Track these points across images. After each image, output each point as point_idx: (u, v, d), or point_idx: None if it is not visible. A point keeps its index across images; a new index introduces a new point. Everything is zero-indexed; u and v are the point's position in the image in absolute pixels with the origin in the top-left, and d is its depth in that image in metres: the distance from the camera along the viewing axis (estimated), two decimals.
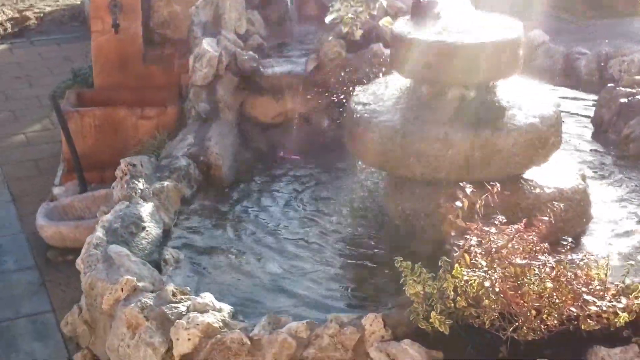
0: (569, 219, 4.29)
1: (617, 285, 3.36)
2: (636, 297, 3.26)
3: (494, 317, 3.12)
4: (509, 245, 3.19)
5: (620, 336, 3.21)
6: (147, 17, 6.08)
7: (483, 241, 3.17)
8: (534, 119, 4.18)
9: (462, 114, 4.14)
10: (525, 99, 4.36)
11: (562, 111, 5.91)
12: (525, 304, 3.02)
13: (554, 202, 3.87)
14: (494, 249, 3.12)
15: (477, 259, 3.12)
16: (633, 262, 3.45)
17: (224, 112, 5.45)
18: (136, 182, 4.48)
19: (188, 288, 3.64)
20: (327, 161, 5.25)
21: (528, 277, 2.99)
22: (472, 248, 3.15)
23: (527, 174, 4.36)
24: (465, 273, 3.09)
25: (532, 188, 4.27)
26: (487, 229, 3.23)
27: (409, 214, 4.30)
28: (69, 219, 5.29)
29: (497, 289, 3.02)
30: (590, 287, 3.16)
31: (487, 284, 3.02)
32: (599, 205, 4.62)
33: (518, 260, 3.05)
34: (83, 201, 5.33)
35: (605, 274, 3.32)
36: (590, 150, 5.39)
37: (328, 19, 5.12)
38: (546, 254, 3.15)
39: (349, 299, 4.02)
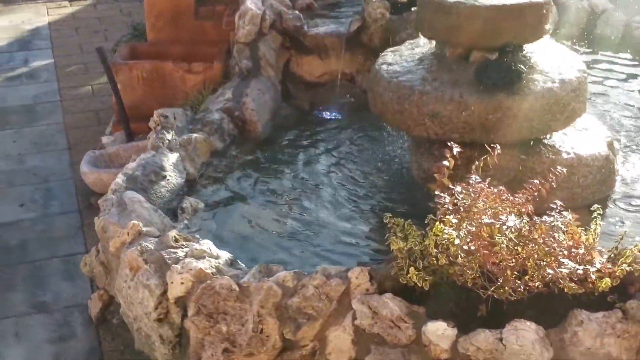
0: (588, 186, 4.26)
1: (609, 251, 3.34)
2: (624, 263, 3.24)
3: (476, 276, 3.16)
4: (478, 204, 3.19)
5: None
6: None
7: (456, 200, 3.19)
8: (553, 84, 4.13)
9: (480, 76, 4.13)
10: (550, 63, 4.31)
11: (614, 79, 5.86)
12: (501, 264, 3.03)
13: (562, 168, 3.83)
14: (462, 208, 3.14)
15: (449, 217, 3.16)
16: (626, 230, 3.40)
17: (265, 70, 5.55)
18: (165, 133, 4.65)
19: (193, 235, 3.78)
20: (367, 121, 5.29)
21: (497, 237, 3.00)
22: (445, 206, 3.18)
23: (550, 139, 4.33)
24: (445, 231, 3.12)
25: (550, 153, 4.24)
26: (458, 189, 3.25)
27: (428, 174, 4.34)
28: (114, 167, 5.50)
29: (470, 247, 3.05)
30: (573, 250, 3.16)
31: (457, 241, 3.06)
32: (632, 173, 4.56)
33: (485, 220, 3.07)
34: (128, 150, 5.52)
35: (594, 239, 3.31)
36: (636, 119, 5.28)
37: None
38: (524, 216, 3.13)
39: (364, 255, 4.10)
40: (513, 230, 3.03)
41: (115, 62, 5.77)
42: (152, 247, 3.59)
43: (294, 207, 4.44)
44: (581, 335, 3.10)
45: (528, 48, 4.35)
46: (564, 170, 3.63)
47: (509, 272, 3.06)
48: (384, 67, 4.48)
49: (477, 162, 4.11)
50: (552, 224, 3.06)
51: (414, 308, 3.24)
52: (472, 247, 3.03)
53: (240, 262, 3.63)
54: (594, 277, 3.08)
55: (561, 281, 3.10)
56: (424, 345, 3.17)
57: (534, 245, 3.08)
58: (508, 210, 3.23)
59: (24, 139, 6.39)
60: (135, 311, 3.65)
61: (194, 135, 4.70)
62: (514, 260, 3.04)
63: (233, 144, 5.02)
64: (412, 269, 3.20)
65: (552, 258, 3.07)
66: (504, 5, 4.15)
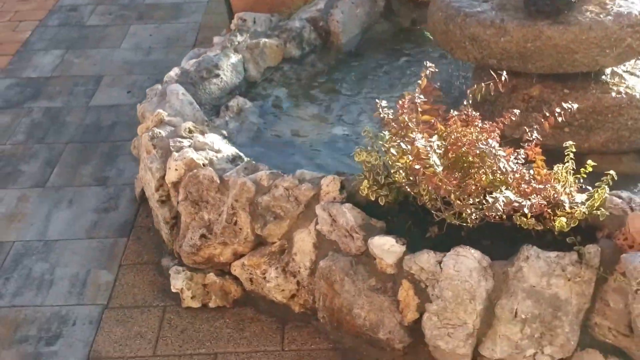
0: (638, 129, 4.01)
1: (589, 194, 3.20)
2: (591, 206, 3.10)
3: (432, 197, 3.14)
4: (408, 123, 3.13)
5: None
6: None
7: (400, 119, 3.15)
8: (607, 17, 3.88)
9: (527, 2, 3.96)
10: None
11: None
12: (441, 187, 2.99)
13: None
14: (397, 126, 3.10)
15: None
16: (613, 173, 3.19)
17: None
18: (237, 36, 4.85)
19: (212, 129, 3.98)
20: None
21: (425, 158, 2.95)
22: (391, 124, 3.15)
23: (603, 76, 4.10)
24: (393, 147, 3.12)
25: (598, 90, 4.02)
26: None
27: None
28: None
29: (415, 167, 3.02)
30: (533, 185, 3.05)
31: (387, 158, 3.05)
32: None
33: (419, 140, 3.00)
34: None
35: (567, 177, 3.17)
36: None
37: None
38: (484, 144, 3.03)
39: None
40: (437, 152, 2.96)
41: None
42: (164, 135, 3.83)
43: (343, 121, 4.50)
44: (526, 271, 3.02)
45: None
46: (574, 105, 3.45)
47: (452, 196, 3.02)
48: None
49: (521, 92, 4.04)
50: (495, 153, 2.96)
51: (372, 221, 3.27)
52: (417, 167, 3.01)
53: (245, 158, 3.78)
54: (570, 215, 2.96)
55: (514, 214, 3.02)
56: (373, 257, 3.22)
57: (476, 170, 3.00)
58: (474, 135, 3.15)
59: (160, 34, 6.80)
60: (148, 192, 3.95)
61: (264, 40, 4.85)
62: (453, 183, 2.98)
63: (312, 53, 5.13)
64: (365, 182, 3.23)
65: (499, 186, 2.99)
66: None
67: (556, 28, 3.86)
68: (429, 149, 2.88)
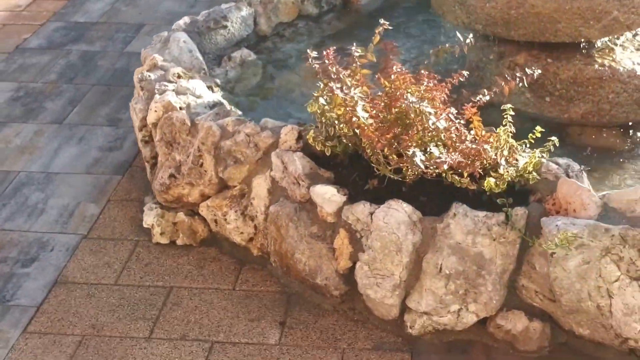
0: (619, 104, 4.00)
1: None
2: (524, 170, 3.14)
3: (376, 152, 3.24)
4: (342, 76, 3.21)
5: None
6: None
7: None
8: None
9: None
10: None
11: None
12: (372, 140, 3.09)
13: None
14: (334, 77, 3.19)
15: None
16: (555, 140, 3.21)
17: None
18: None
19: (202, 75, 4.17)
20: None
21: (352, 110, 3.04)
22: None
23: (591, 47, 4.08)
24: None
25: (581, 61, 4.01)
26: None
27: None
28: None
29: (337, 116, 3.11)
30: (467, 144, 3.11)
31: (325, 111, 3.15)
32: None
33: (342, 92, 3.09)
34: None
35: (506, 140, 3.21)
36: None
37: None
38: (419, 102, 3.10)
39: None
40: (364, 104, 3.04)
41: None
42: (153, 78, 4.04)
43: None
44: (453, 227, 3.10)
45: None
46: (538, 71, 3.49)
47: (386, 150, 3.12)
48: None
49: (507, 59, 4.08)
50: (421, 109, 3.03)
51: (320, 171, 3.40)
52: (354, 119, 3.11)
53: (227, 106, 3.95)
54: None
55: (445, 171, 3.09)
56: (315, 206, 3.35)
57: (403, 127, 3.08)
58: (419, 93, 3.22)
59: None
60: (135, 132, 4.17)
61: None
62: (387, 137, 3.08)
63: (331, 12, 5.24)
64: (311, 132, 3.35)
65: (428, 143, 3.07)
66: None
67: None
68: (359, 101, 2.98)
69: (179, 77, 4.05)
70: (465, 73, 3.31)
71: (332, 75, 3.14)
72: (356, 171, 3.41)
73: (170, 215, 3.84)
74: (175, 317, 3.46)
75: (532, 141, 3.29)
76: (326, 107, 3.19)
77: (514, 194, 3.18)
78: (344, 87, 3.11)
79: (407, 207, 3.14)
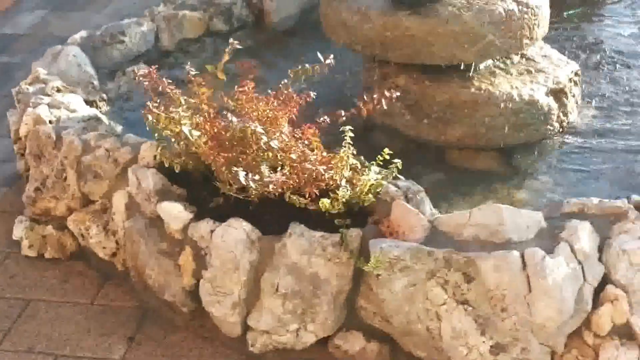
0: (496, 127, 4.00)
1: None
2: (361, 192, 3.14)
3: (222, 170, 3.24)
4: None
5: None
6: None
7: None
8: (467, 12, 3.88)
9: None
10: None
11: None
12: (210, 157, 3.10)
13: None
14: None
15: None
16: (398, 162, 3.21)
17: None
18: (160, 7, 5.03)
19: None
20: None
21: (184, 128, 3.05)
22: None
23: (473, 70, 4.09)
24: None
25: (457, 84, 4.02)
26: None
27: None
28: None
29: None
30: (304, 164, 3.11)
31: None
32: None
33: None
34: None
35: (347, 160, 3.21)
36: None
37: None
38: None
39: None
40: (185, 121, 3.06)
41: None
42: (30, 91, 4.06)
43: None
44: (289, 247, 3.10)
45: None
46: (397, 93, 3.49)
47: (224, 168, 3.12)
48: None
49: (389, 80, 4.10)
50: (252, 127, 3.04)
51: (172, 188, 3.40)
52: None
53: (105, 121, 3.97)
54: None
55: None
56: (164, 222, 3.36)
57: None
58: (264, 112, 3.23)
59: (144, 3, 7.01)
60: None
61: (184, 12, 5.01)
62: (224, 156, 3.08)
63: (243, 29, 5.26)
64: (159, 148, 3.36)
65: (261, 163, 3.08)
66: None
67: (414, 19, 3.89)
68: (185, 119, 2.99)
69: (58, 90, 4.07)
70: (313, 94, 3.31)
71: (155, 93, 3.15)
72: (209, 189, 3.41)
73: (40, 228, 3.85)
74: (26, 330, 3.46)
75: (381, 163, 3.29)
76: (158, 124, 3.20)
77: (356, 215, 3.18)
78: (172, 106, 3.11)
79: (246, 226, 3.14)
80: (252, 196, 3.18)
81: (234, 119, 3.04)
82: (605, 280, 2.97)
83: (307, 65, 3.52)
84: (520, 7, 3.95)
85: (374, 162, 3.30)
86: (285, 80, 3.48)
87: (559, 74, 4.16)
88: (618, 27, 5.32)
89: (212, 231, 3.18)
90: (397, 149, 4.06)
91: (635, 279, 2.91)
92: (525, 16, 3.96)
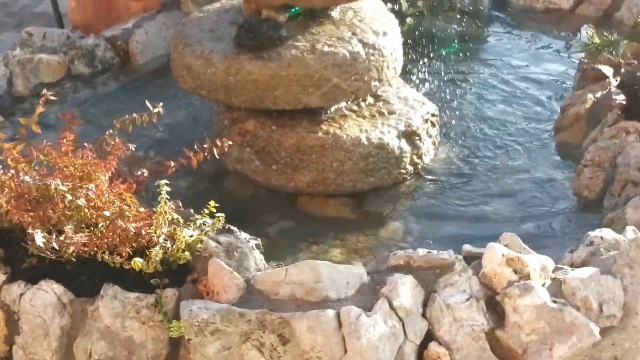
0: (345, 172, 3.89)
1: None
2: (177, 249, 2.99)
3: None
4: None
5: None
6: None
7: None
8: (310, 55, 3.77)
9: (236, 36, 3.88)
10: (336, 32, 3.93)
11: None
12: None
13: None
14: None
15: None
16: (221, 216, 3.07)
17: (186, 4, 5.51)
18: (17, 49, 4.86)
19: None
20: None
21: None
22: None
23: (323, 113, 3.99)
24: None
25: (304, 129, 3.91)
26: None
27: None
28: None
29: None
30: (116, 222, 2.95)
31: None
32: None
33: None
34: None
35: (163, 215, 3.05)
36: None
37: None
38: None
39: None
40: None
41: None
42: None
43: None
44: (102, 310, 2.93)
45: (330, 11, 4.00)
46: (229, 142, 3.37)
47: (31, 228, 2.95)
48: (196, 13, 4.33)
49: (238, 125, 3.97)
50: (53, 185, 2.88)
51: None
52: None
53: None
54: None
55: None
56: None
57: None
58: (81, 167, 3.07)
59: None
60: None
61: (41, 55, 4.85)
62: (30, 214, 2.92)
63: (107, 72, 5.11)
64: None
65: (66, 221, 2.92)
66: None
67: (256, 63, 3.78)
68: None
69: None
70: (132, 146, 3.16)
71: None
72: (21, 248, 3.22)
73: None
74: None
75: (206, 216, 3.15)
76: None
77: (177, 273, 3.03)
78: None
79: (57, 288, 2.97)
80: (67, 255, 3.00)
81: (27, 178, 2.86)
82: (430, 336, 2.85)
83: (134, 114, 3.38)
84: (367, 49, 3.86)
85: (199, 216, 3.15)
86: (111, 130, 3.33)
87: (413, 116, 4.07)
88: (492, 64, 5.28)
89: (22, 294, 3.00)
90: (248, 196, 4.00)
91: (459, 335, 2.80)
92: (372, 58, 3.87)
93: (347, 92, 3.86)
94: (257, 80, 3.77)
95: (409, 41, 5.28)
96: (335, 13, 4.06)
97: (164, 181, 3.07)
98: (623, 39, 4.20)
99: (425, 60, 5.19)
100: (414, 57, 5.15)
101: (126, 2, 5.88)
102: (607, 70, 4.36)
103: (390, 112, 4.09)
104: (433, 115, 4.21)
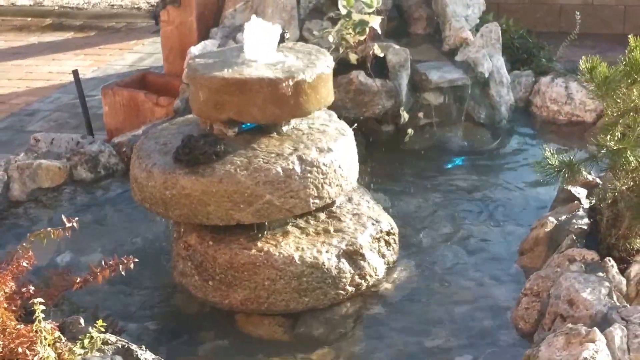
0: (277, 291, 3.81)
1: None
2: None
3: None
4: None
5: None
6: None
7: None
8: (243, 171, 3.75)
9: (175, 151, 3.91)
10: (276, 147, 3.90)
11: None
12: None
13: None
14: None
15: None
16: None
17: None
18: (20, 155, 5.09)
19: None
20: None
21: None
22: None
23: (271, 232, 3.94)
24: None
25: (238, 246, 3.86)
26: None
27: None
28: None
29: None
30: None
31: None
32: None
33: None
34: None
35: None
36: None
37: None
38: None
39: None
40: None
41: (105, 86, 6.29)
42: None
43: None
44: None
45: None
46: (135, 260, 3.38)
47: None
48: (164, 124, 4.43)
49: (182, 239, 4.00)
50: None
51: None
52: None
53: None
54: None
55: None
56: None
57: None
58: None
59: None
60: None
61: (39, 161, 5.04)
62: None
63: (110, 177, 5.26)
64: None
65: None
66: (227, 77, 3.88)
67: (189, 178, 3.80)
68: None
69: None
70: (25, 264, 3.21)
71: None
72: None
73: None
74: None
75: (93, 336, 3.14)
76: None
77: None
78: None
79: None
80: None
81: None
82: None
83: (49, 228, 3.45)
84: (304, 166, 3.79)
85: (89, 333, 3.15)
86: (25, 244, 3.41)
87: (359, 235, 3.95)
88: (494, 181, 5.08)
89: None
90: (193, 312, 3.96)
91: None
92: (310, 175, 3.80)
93: (281, 209, 3.80)
94: (190, 195, 3.78)
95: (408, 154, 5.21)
96: (286, 128, 4.03)
97: (38, 300, 3.08)
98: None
99: (424, 174, 5.07)
100: (410, 170, 5.05)
101: (152, 107, 6.10)
102: (581, 191, 4.10)
103: (337, 230, 3.98)
104: (389, 233, 4.07)
